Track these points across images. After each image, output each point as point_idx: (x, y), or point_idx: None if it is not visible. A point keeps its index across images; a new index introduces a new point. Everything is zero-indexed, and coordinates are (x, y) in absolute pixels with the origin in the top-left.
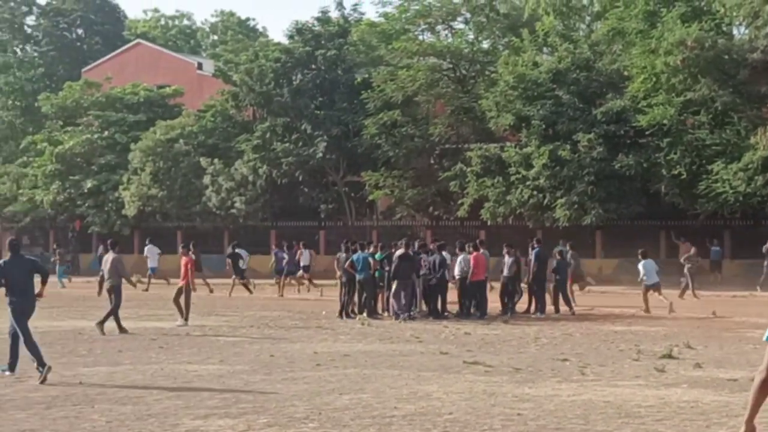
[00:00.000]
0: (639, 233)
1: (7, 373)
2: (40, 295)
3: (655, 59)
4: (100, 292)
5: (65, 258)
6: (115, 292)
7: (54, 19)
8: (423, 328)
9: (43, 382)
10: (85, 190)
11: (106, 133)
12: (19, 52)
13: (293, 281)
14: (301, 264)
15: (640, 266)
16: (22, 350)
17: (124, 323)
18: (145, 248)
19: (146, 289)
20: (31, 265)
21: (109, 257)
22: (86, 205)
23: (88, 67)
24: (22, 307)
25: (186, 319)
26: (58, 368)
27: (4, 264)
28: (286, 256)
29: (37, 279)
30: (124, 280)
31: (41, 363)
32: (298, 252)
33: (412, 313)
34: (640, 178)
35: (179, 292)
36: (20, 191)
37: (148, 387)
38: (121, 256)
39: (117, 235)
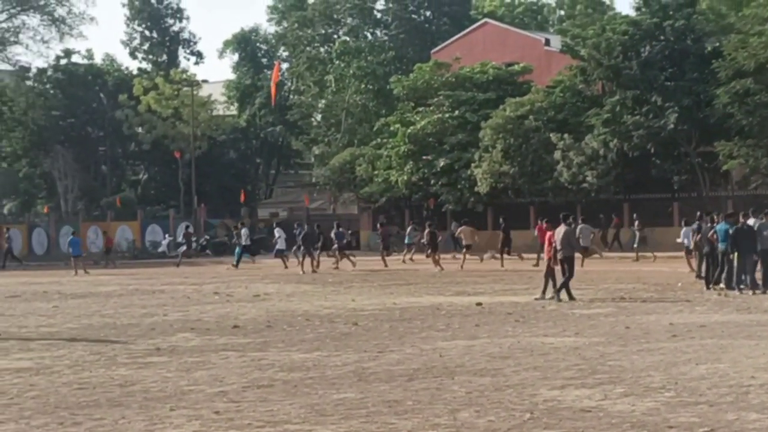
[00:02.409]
0: None
1: None
2: None
3: None
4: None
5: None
6: (568, 263)
7: (402, 3)
8: None
9: None
10: (438, 169)
11: (456, 112)
12: (370, 37)
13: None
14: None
15: None
16: None
17: (515, 297)
18: (275, 230)
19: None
20: None
21: (561, 229)
22: (439, 183)
23: (437, 48)
24: None
25: (557, 292)
26: (418, 342)
27: None
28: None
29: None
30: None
31: None
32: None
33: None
34: None
35: (549, 266)
36: (375, 172)
37: (505, 359)
38: (573, 229)
39: (471, 212)
